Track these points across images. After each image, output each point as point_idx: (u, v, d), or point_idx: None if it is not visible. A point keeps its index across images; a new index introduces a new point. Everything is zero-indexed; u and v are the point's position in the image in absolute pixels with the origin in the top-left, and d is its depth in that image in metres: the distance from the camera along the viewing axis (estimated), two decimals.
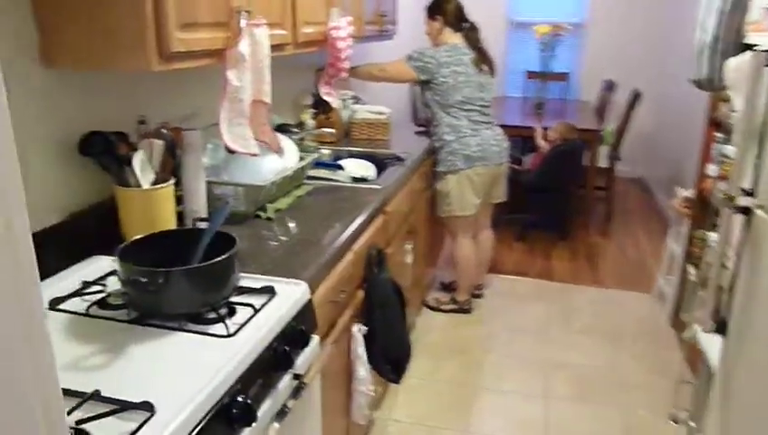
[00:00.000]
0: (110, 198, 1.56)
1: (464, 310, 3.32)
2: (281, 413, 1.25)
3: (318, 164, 2.40)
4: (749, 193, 1.42)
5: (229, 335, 1.19)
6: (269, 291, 1.36)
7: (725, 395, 1.57)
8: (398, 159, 2.77)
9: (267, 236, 1.76)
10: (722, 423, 1.59)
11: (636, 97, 4.67)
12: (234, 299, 1.30)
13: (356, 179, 2.41)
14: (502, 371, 2.83)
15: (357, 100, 3.34)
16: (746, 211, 1.41)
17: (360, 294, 1.94)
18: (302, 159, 2.20)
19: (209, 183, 1.80)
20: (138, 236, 1.33)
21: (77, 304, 1.30)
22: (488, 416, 2.51)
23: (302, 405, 1.37)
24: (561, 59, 5.53)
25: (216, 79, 1.66)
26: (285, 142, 2.13)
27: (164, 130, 1.60)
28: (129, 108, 1.69)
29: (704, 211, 2.71)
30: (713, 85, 2.29)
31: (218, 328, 1.21)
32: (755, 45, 1.85)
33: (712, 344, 1.77)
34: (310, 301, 1.43)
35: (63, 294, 1.31)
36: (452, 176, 3.01)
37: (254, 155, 1.80)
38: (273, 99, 1.87)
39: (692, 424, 1.99)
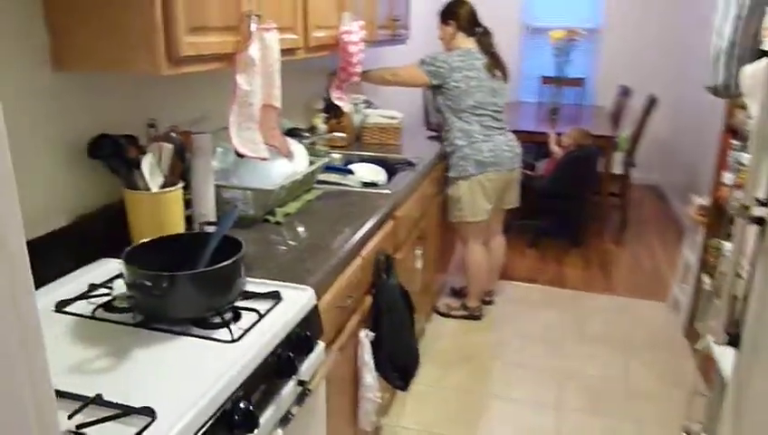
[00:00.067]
0: (119, 200, 1.57)
1: (474, 316, 3.30)
2: (285, 419, 1.24)
3: (328, 168, 2.39)
4: (764, 203, 1.39)
5: (233, 341, 1.18)
6: (275, 296, 1.35)
7: (738, 407, 1.54)
8: (410, 163, 2.76)
9: (275, 240, 1.75)
10: None
11: (651, 103, 4.62)
12: (239, 304, 1.30)
13: (366, 184, 2.40)
14: (511, 379, 2.80)
15: (369, 104, 3.34)
16: (761, 221, 1.38)
17: (368, 299, 1.93)
18: (312, 163, 2.19)
19: (218, 187, 1.80)
20: (144, 240, 1.33)
21: (83, 306, 1.30)
22: (497, 425, 2.49)
23: (307, 411, 1.36)
24: (577, 64, 5.49)
25: (227, 83, 1.66)
26: (295, 146, 2.13)
27: (173, 134, 1.60)
28: (138, 111, 1.70)
29: (719, 220, 2.67)
30: (729, 92, 2.25)
31: (223, 333, 1.20)
32: None
33: (725, 355, 1.73)
34: (315, 307, 1.42)
35: (70, 297, 1.32)
36: (463, 181, 2.99)
37: (264, 159, 1.80)
38: (284, 103, 1.87)
39: None
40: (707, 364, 2.44)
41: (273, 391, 1.21)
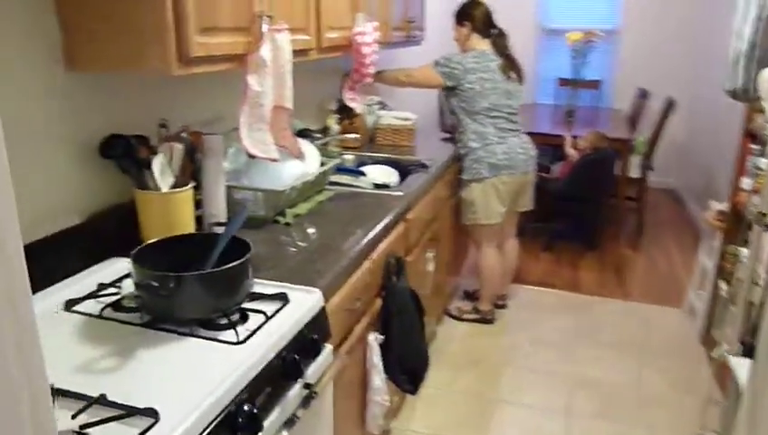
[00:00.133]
0: (130, 200, 1.58)
1: (486, 320, 3.27)
2: (290, 422, 1.23)
3: (340, 170, 2.39)
4: None
5: (239, 342, 1.18)
6: (282, 298, 1.35)
7: (753, 417, 1.51)
8: (423, 165, 2.74)
9: (285, 241, 1.75)
10: None
11: (670, 105, 4.56)
12: (246, 305, 1.30)
13: (378, 186, 2.39)
14: (523, 384, 2.78)
15: (383, 105, 3.33)
16: None
17: (378, 302, 1.92)
18: (323, 164, 2.19)
19: (229, 187, 1.80)
20: (153, 240, 1.33)
21: (92, 305, 1.30)
22: (507, 429, 2.46)
23: (313, 414, 1.35)
24: (594, 66, 5.43)
25: (239, 83, 1.66)
26: (307, 147, 2.13)
27: (184, 134, 1.60)
28: (150, 111, 1.71)
29: (737, 225, 2.62)
30: (748, 95, 2.21)
31: (229, 334, 1.20)
32: None
33: (741, 363, 1.70)
34: (323, 309, 1.42)
35: (79, 296, 1.32)
36: (477, 184, 2.97)
37: (274, 160, 1.80)
38: (296, 103, 1.87)
39: None
40: (723, 372, 2.40)
41: (279, 393, 1.21)
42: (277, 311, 1.31)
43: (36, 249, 1.35)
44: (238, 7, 1.52)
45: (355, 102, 2.75)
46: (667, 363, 2.95)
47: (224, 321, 1.24)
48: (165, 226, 1.52)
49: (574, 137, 4.18)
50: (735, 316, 1.57)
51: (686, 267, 3.96)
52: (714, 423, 2.15)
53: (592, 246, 4.34)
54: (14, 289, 0.54)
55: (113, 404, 0.97)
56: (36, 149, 1.38)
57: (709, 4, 5.17)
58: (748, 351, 1.45)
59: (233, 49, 1.52)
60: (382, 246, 1.91)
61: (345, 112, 2.91)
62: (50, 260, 1.40)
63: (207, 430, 0.98)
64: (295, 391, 1.26)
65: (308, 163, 2.10)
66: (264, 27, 1.59)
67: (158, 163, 1.53)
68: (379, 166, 2.70)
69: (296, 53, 1.79)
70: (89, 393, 0.98)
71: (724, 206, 2.86)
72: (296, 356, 1.23)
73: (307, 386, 1.30)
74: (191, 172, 1.64)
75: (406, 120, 3.15)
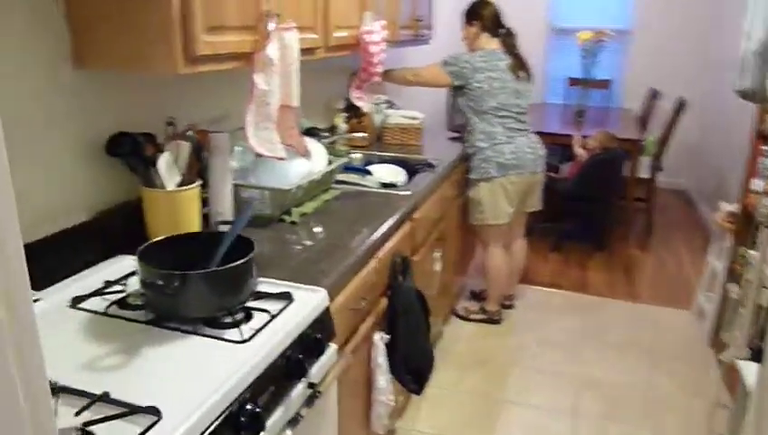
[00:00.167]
0: (137, 198, 1.58)
1: (493, 320, 3.26)
2: (294, 421, 1.23)
3: (347, 168, 2.39)
4: None
5: (243, 341, 1.18)
6: (286, 297, 1.35)
7: (760, 422, 1.49)
8: (430, 165, 2.74)
9: (290, 240, 1.75)
10: None
11: (681, 106, 4.52)
12: (250, 304, 1.30)
13: (385, 185, 2.39)
14: (529, 384, 2.76)
15: (390, 104, 3.33)
16: None
17: (383, 301, 1.92)
18: (330, 163, 2.19)
19: (235, 186, 1.81)
20: (159, 238, 1.34)
21: (97, 302, 1.31)
22: (513, 430, 2.46)
23: (317, 413, 1.35)
24: (604, 66, 5.40)
25: (246, 82, 1.66)
26: (314, 146, 2.13)
27: (190, 133, 1.60)
28: (157, 109, 1.71)
29: (747, 227, 2.60)
30: (759, 96, 2.19)
31: (233, 333, 1.20)
32: None
33: (750, 367, 1.68)
34: (327, 308, 1.41)
35: (85, 293, 1.33)
36: (485, 184, 2.96)
37: (281, 159, 1.80)
38: (304, 102, 1.87)
39: None
40: (732, 375, 2.38)
41: (283, 392, 1.21)
42: (282, 310, 1.31)
43: (43, 246, 1.36)
44: (245, 6, 1.52)
45: (362, 101, 2.74)
46: (675, 366, 2.92)
47: (228, 319, 1.24)
48: (171, 224, 1.53)
49: (584, 137, 4.16)
50: (744, 319, 1.55)
51: (696, 269, 3.93)
52: (721, 427, 2.13)
53: (601, 246, 4.32)
54: (14, 289, 0.54)
55: (116, 402, 0.97)
56: (44, 147, 1.39)
57: (720, 5, 5.13)
58: (756, 355, 1.44)
59: (239, 48, 1.52)
60: (388, 246, 1.90)
61: (353, 111, 2.91)
62: (56, 257, 1.41)
63: (210, 429, 0.98)
64: (299, 391, 1.26)
65: (315, 162, 2.10)
66: (272, 26, 1.59)
67: (164, 161, 1.54)
68: (386, 165, 2.70)
69: (303, 51, 1.79)
70: (92, 391, 0.98)
71: (734, 207, 2.83)
72: (300, 355, 1.23)
73: (311, 385, 1.30)
74: (198, 170, 1.64)
75: (413, 119, 3.15)
